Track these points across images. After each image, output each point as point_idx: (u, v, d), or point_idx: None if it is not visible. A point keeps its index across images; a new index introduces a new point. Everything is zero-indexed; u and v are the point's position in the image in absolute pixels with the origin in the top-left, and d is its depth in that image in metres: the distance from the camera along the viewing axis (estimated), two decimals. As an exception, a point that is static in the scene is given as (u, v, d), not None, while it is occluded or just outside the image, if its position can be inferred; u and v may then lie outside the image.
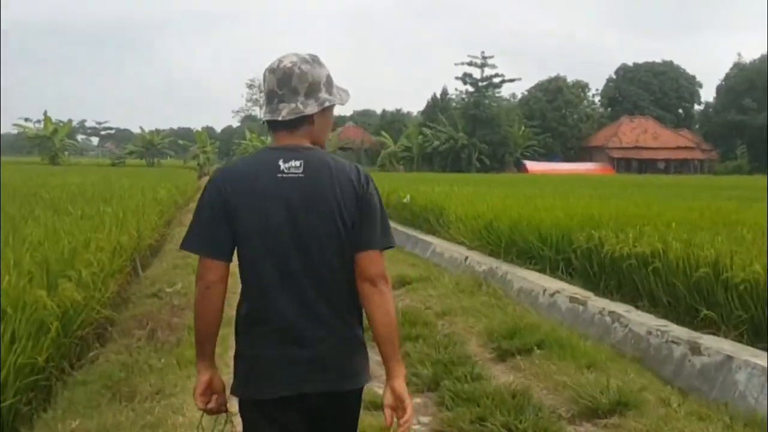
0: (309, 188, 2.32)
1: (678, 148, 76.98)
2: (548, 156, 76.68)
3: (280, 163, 2.34)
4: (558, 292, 8.08)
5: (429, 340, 6.40)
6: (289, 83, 2.37)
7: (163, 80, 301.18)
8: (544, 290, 8.33)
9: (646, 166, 75.29)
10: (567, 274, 8.90)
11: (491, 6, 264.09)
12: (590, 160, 77.18)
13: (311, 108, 2.39)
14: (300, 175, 2.33)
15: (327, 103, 2.42)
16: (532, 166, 70.65)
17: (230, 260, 2.38)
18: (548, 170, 63.93)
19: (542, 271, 9.29)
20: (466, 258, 11.13)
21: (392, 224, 13.11)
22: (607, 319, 6.90)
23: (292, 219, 2.31)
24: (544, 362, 5.78)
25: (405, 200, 17.26)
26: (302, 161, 2.34)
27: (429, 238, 13.97)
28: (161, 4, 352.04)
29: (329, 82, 2.46)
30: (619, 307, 7.04)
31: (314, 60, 2.44)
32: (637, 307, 7.05)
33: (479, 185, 24.82)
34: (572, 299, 7.71)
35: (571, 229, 9.35)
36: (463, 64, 73.63)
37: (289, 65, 2.38)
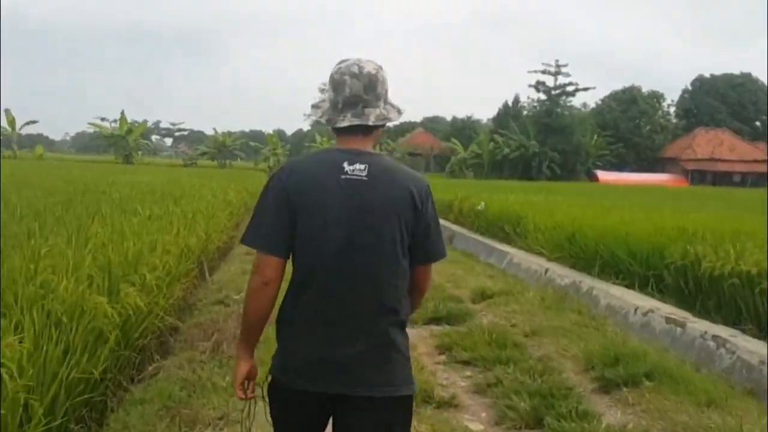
0: (370, 192, 2.35)
1: (755, 161, 74.31)
2: (619, 166, 75.16)
3: (345, 164, 2.37)
4: (651, 311, 7.43)
5: (521, 365, 5.78)
6: (375, 89, 2.43)
7: (237, 83, 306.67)
8: (636, 309, 7.68)
9: (721, 178, 73.19)
10: (657, 291, 8.26)
11: (564, 17, 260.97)
12: (663, 171, 75.40)
13: (394, 114, 2.49)
14: (363, 178, 2.35)
15: (402, 111, 2.52)
16: (603, 175, 69.10)
17: (287, 257, 2.42)
18: (620, 180, 62.16)
19: (630, 287, 8.66)
20: (547, 270, 10.49)
21: (466, 232, 12.69)
22: (711, 344, 6.22)
23: (349, 222, 2.33)
24: (655, 397, 5.08)
25: (479, 207, 16.61)
26: (367, 165, 2.37)
27: (505, 247, 13.31)
28: (236, 9, 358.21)
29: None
30: (724, 331, 6.36)
31: (382, 68, 2.50)
32: (742, 332, 6.37)
33: (552, 193, 24.08)
34: (668, 320, 7.06)
35: (662, 243, 8.72)
36: (536, 71, 72.66)
37: (373, 72, 2.44)
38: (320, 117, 2.51)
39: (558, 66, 71.50)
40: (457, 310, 7.62)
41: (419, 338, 6.76)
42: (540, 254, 11.68)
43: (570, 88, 72.19)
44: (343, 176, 2.35)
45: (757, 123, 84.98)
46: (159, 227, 8.38)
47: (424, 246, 2.45)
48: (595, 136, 72.41)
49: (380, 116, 2.44)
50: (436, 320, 7.42)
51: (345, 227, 2.33)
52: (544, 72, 72.12)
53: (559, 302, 8.31)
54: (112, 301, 5.06)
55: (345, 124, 2.43)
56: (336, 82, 2.46)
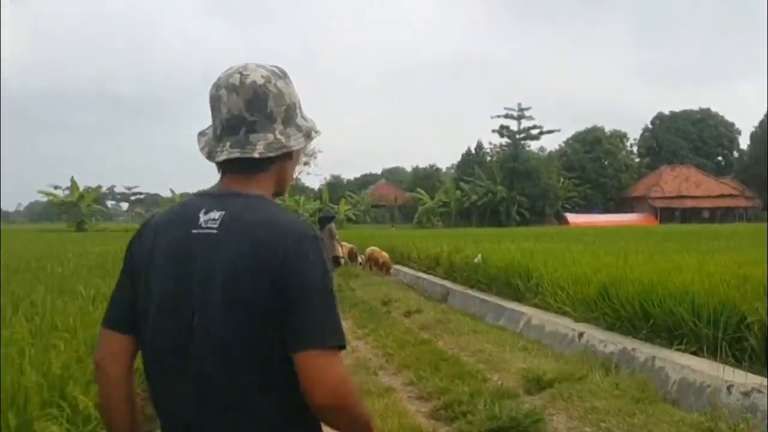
0: (215, 253, 1.64)
1: (722, 196, 76.33)
2: (588, 207, 76.04)
3: (201, 214, 1.71)
4: (757, 390, 5.56)
5: None
6: (264, 106, 1.76)
7: (192, 144, 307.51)
8: (729, 386, 5.79)
9: (690, 215, 73.95)
10: (732, 358, 6.69)
11: (518, 64, 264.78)
12: (631, 210, 77.05)
13: (296, 140, 1.80)
14: (213, 231, 1.67)
15: (314, 134, 1.86)
16: (573, 218, 69.95)
17: (131, 332, 1.75)
18: (590, 222, 63.13)
19: (697, 353, 6.97)
20: (581, 335, 8.65)
21: (462, 289, 10.64)
22: None
23: (189, 296, 1.64)
24: None
25: (476, 260, 14.86)
26: (224, 212, 1.69)
27: (516, 306, 11.47)
28: (188, 72, 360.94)
29: (300, 105, 1.87)
30: None
31: (285, 74, 1.84)
32: None
33: (536, 240, 22.89)
34: (789, 405, 5.21)
35: (731, 298, 7.18)
36: (499, 116, 73.73)
37: (261, 81, 1.77)
38: (202, 149, 1.80)
39: (521, 110, 72.72)
40: (519, 412, 5.53)
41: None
42: (564, 314, 9.91)
43: (534, 132, 73.02)
44: (194, 231, 1.68)
45: (719, 158, 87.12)
46: (104, 312, 6.48)
47: (292, 323, 1.57)
48: (562, 179, 73.15)
49: (274, 144, 1.73)
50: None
51: (183, 305, 1.63)
52: (507, 116, 73.18)
53: (650, 392, 6.37)
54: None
55: (222, 157, 1.74)
56: (211, 99, 1.78)
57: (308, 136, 1.83)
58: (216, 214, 1.70)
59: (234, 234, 1.65)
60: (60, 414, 3.87)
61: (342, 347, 1.64)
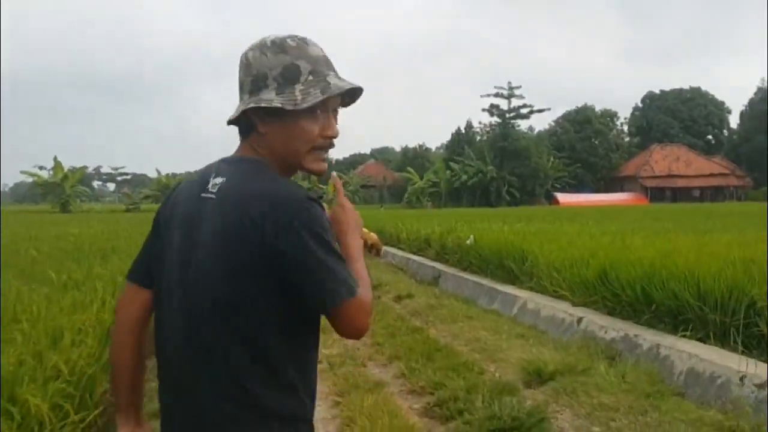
0: (212, 219, 1.69)
1: (712, 175, 76.36)
2: (578, 187, 75.92)
3: (211, 178, 1.77)
4: (774, 383, 5.14)
5: None
6: (240, 78, 1.81)
7: (179, 126, 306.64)
8: (742, 377, 5.37)
9: (680, 194, 73.85)
10: (742, 346, 6.22)
11: (506, 43, 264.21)
12: (621, 190, 76.99)
13: (244, 107, 1.76)
14: (212, 197, 1.72)
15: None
16: (563, 198, 69.81)
17: (150, 287, 1.85)
18: (580, 202, 62.91)
19: (704, 340, 6.58)
20: (580, 320, 8.23)
21: (454, 271, 10.07)
22: None
23: (186, 258, 1.71)
24: None
25: (468, 242, 14.42)
26: (224, 179, 1.74)
27: (511, 289, 11.02)
28: (175, 54, 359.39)
29: (291, 75, 1.73)
30: None
31: (276, 44, 1.76)
32: None
33: (528, 220, 22.54)
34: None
35: (741, 282, 6.75)
36: (489, 95, 73.22)
37: (243, 52, 1.82)
38: None
39: (511, 88, 72.30)
40: (522, 411, 5.01)
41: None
42: (560, 297, 9.49)
43: (524, 111, 72.79)
44: (202, 195, 1.74)
45: (710, 137, 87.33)
46: (73, 302, 6.10)
47: (307, 293, 1.62)
48: (552, 158, 73.06)
49: (237, 112, 1.77)
50: (498, 432, 4.89)
51: (179, 266, 1.72)
52: (497, 95, 72.78)
53: (660, 384, 5.92)
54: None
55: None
56: None
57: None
58: (219, 180, 1.73)
59: (227, 202, 1.68)
60: (7, 423, 3.42)
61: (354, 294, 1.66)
